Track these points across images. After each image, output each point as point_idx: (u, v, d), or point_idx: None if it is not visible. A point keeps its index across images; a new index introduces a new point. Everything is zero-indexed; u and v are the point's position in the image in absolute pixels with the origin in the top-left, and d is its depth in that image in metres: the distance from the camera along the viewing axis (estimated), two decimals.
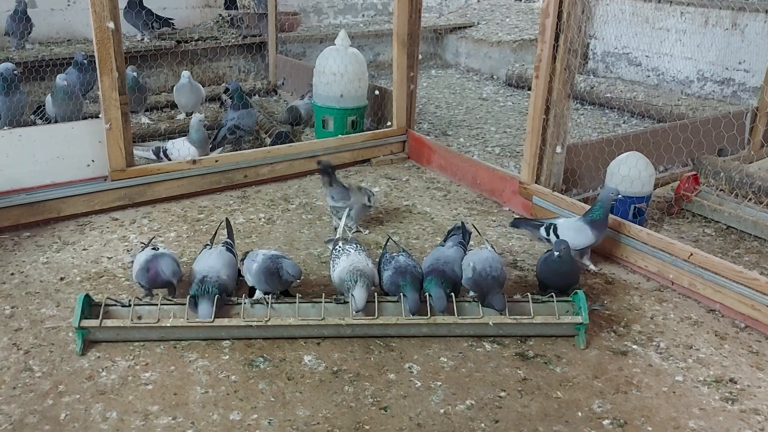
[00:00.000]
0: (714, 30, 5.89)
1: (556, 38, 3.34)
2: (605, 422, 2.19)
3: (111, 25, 3.34)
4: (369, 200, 3.48)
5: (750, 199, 3.67)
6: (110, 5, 3.32)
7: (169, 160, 3.96)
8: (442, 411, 2.23)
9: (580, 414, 2.23)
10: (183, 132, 4.32)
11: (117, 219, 3.60)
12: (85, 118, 4.61)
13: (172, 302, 2.62)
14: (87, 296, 2.55)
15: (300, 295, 2.65)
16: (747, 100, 5.65)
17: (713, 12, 5.86)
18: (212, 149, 4.32)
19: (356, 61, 4.69)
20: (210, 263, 2.66)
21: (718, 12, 5.83)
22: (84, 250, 3.27)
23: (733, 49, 5.76)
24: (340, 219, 3.27)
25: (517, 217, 3.60)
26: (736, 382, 2.39)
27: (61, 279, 3.00)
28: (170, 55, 5.88)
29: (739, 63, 5.72)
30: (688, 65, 6.11)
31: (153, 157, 4.01)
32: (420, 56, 4.68)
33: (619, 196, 2.97)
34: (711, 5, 5.84)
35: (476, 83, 7.12)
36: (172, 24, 5.92)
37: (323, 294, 2.68)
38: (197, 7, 6.47)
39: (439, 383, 2.37)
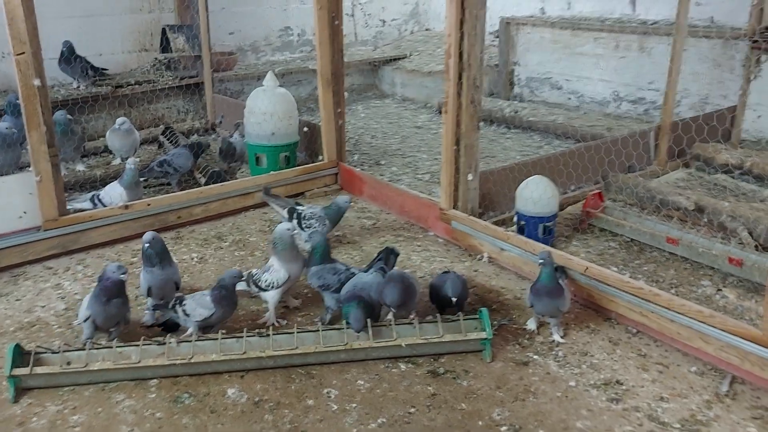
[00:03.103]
0: (625, 53, 6.30)
1: (459, 77, 3.62)
2: (503, 429, 2.40)
3: (37, 82, 3.48)
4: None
5: (649, 212, 3.98)
6: (35, 63, 3.46)
7: (104, 206, 4.08)
8: (355, 431, 2.41)
9: (480, 423, 2.43)
10: (118, 178, 4.43)
11: (51, 267, 3.69)
12: (22, 167, 4.73)
13: (101, 346, 2.75)
14: (17, 345, 2.66)
15: (224, 331, 2.81)
16: (658, 117, 6.06)
17: (623, 37, 6.29)
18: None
19: (285, 101, 4.90)
20: None
21: (628, 36, 6.26)
22: (17, 300, 3.36)
23: (644, 71, 6.18)
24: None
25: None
26: (622, 383, 2.63)
27: None
28: (108, 100, 6.00)
29: (649, 83, 6.14)
30: (605, 87, 6.51)
31: (90, 206, 4.11)
32: (346, 94, 4.91)
33: None
34: (620, 31, 6.27)
35: (412, 112, 7.41)
36: (107, 74, 6.06)
37: (245, 329, 2.83)
38: (133, 51, 6.62)
39: (354, 405, 2.55)
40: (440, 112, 7.12)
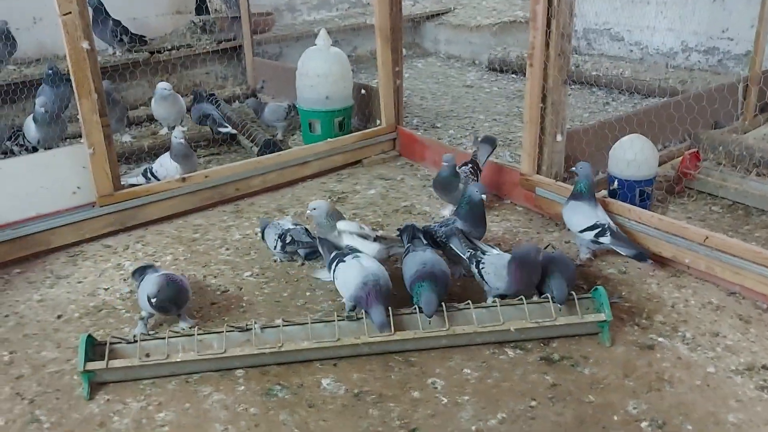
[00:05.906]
0: (695, 0, 5.82)
1: (548, 24, 3.25)
2: (644, 424, 2.12)
3: (86, 45, 3.18)
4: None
5: (756, 173, 3.62)
6: (83, 24, 3.16)
7: (158, 179, 3.82)
8: (473, 428, 2.15)
9: (616, 417, 2.16)
10: (168, 147, 4.15)
11: (110, 246, 3.45)
12: (67, 138, 4.47)
13: (179, 335, 2.51)
14: (89, 337, 2.43)
15: (313, 316, 2.56)
16: (733, 68, 5.61)
17: None
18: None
19: (340, 61, 4.56)
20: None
21: None
22: (79, 282, 3.13)
23: (716, 18, 5.71)
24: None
25: None
26: None
27: (59, 317, 2.86)
28: (145, 67, 5.70)
29: (723, 31, 5.67)
30: (671, 37, 6.05)
31: (143, 180, 3.85)
32: (405, 51, 4.54)
33: None
34: None
35: (459, 70, 7.01)
36: (145, 40, 5.73)
37: (335, 312, 2.57)
38: (167, 14, 6.26)
39: (466, 397, 2.28)
40: (492, 69, 6.74)
